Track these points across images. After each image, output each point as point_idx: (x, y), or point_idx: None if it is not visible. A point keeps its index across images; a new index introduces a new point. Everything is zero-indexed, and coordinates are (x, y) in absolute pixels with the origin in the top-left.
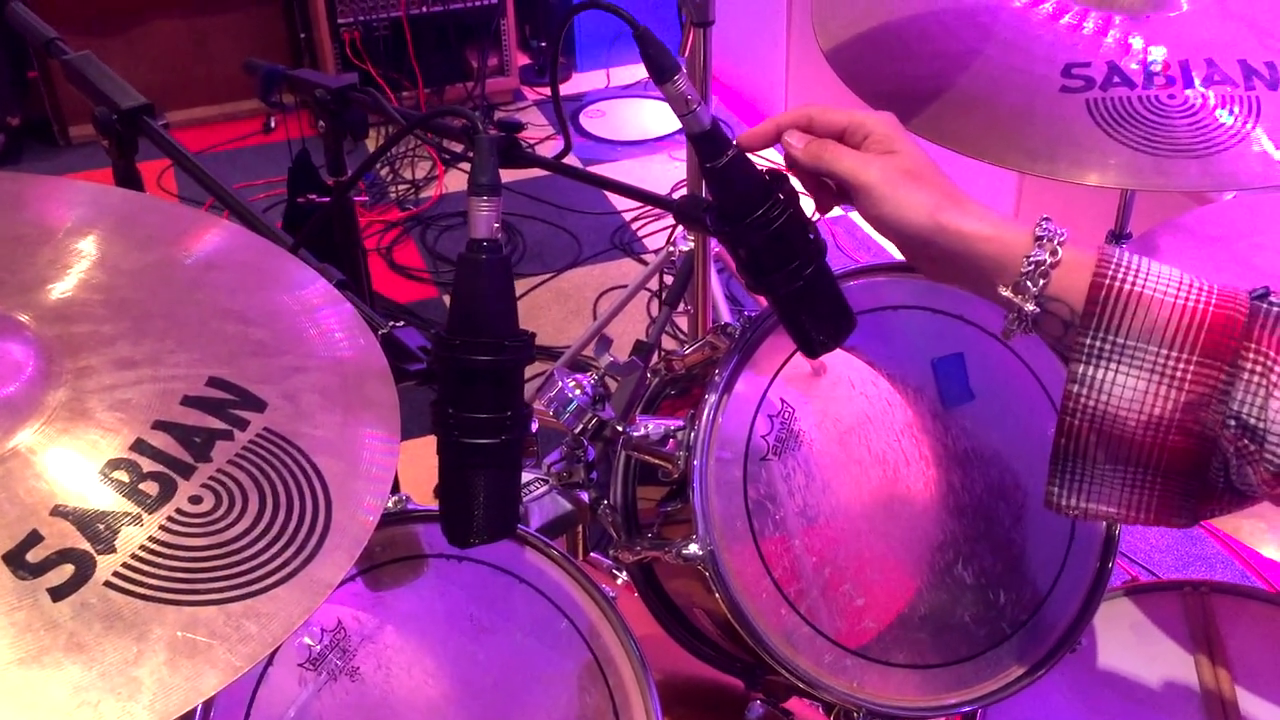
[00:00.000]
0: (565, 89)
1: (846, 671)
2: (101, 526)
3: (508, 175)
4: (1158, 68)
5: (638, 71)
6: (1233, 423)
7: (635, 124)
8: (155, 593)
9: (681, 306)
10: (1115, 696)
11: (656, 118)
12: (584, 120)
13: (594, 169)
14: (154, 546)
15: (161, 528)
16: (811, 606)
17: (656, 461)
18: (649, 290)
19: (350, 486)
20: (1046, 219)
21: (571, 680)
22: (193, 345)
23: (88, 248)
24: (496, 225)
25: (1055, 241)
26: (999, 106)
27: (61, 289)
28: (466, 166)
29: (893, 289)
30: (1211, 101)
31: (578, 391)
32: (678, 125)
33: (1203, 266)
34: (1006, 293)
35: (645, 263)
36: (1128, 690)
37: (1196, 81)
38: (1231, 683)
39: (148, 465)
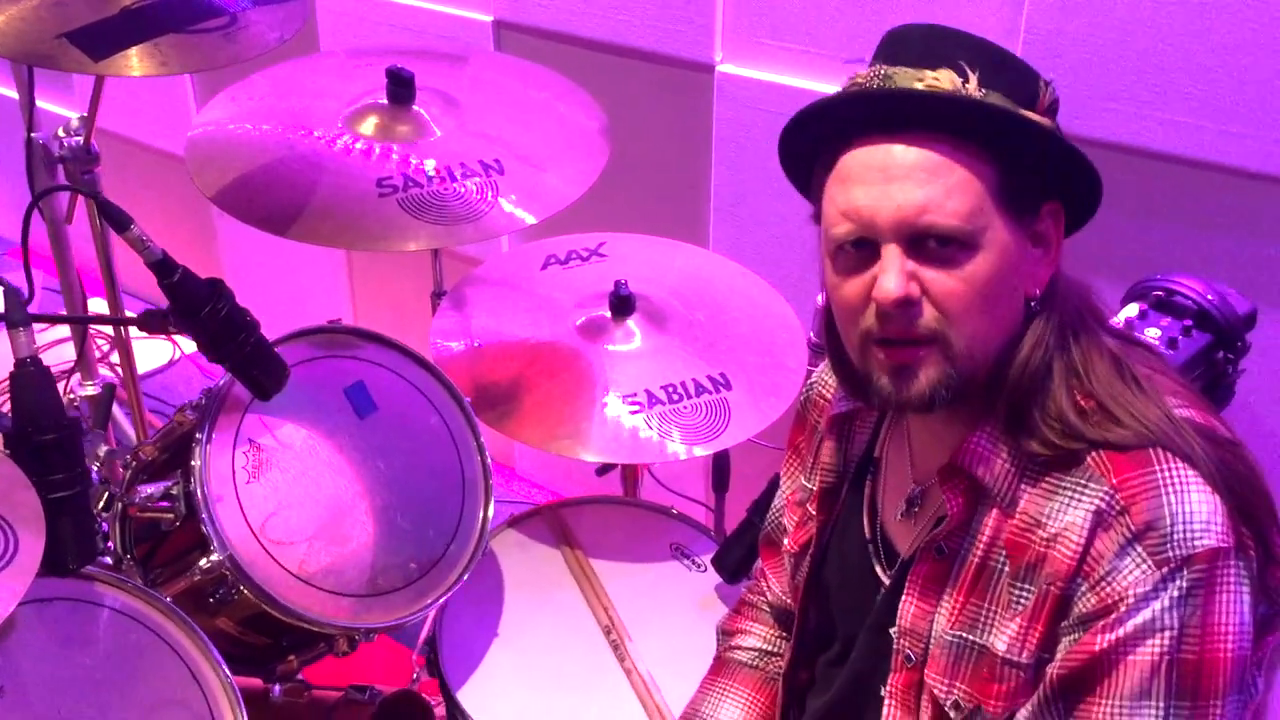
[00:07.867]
0: None
1: (347, 609)
2: None
3: None
4: (432, 172)
5: None
6: None
7: None
8: None
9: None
10: (522, 590)
11: None
12: None
13: None
14: None
15: None
16: (312, 574)
17: (159, 515)
18: None
19: None
20: None
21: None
22: None
23: None
24: (34, 347)
25: None
26: (343, 211)
27: None
28: None
29: (306, 348)
30: (470, 186)
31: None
32: None
33: (501, 301)
34: None
35: None
36: (528, 582)
37: (458, 176)
38: (585, 554)
39: None
